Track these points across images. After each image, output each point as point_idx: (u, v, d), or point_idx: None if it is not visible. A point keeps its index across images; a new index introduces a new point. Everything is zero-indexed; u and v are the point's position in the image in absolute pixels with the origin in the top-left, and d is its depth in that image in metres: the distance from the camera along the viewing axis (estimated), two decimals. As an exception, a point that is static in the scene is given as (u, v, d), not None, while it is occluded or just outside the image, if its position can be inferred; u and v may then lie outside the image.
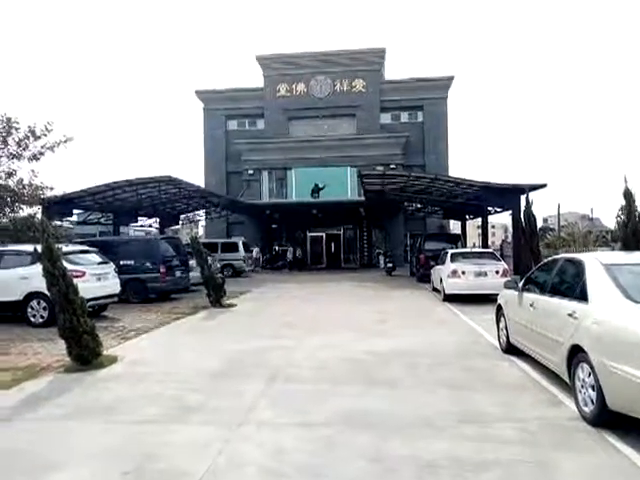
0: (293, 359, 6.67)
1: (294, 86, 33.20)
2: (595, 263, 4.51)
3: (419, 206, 25.74)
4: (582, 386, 4.21)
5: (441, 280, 13.08)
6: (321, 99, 32.97)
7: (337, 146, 31.29)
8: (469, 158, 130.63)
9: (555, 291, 5.07)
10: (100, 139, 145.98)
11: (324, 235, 32.10)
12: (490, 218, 23.58)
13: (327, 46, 69.23)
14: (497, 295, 12.09)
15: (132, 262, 13.25)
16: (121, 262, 13.19)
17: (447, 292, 12.54)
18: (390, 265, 22.56)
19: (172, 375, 5.94)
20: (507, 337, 6.56)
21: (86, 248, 10.55)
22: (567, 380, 4.64)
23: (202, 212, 28.53)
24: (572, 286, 4.75)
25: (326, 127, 33.20)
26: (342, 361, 6.45)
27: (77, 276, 9.39)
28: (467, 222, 24.66)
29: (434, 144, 32.10)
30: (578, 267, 4.78)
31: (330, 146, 31.28)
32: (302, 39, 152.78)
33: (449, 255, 13.24)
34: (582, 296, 4.42)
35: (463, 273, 12.16)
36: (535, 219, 13.62)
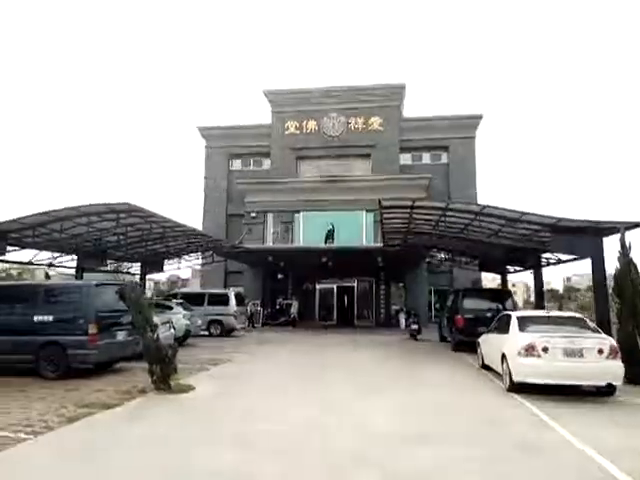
0: None
1: (304, 123, 30.25)
2: None
3: (448, 256, 21.53)
4: None
5: (503, 357, 8.68)
6: (334, 137, 29.87)
7: (351, 188, 27.72)
8: (503, 203, 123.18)
9: None
10: (91, 176, 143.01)
11: (335, 287, 27.84)
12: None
13: (341, 81, 66.91)
14: (603, 389, 7.93)
15: (50, 318, 9.17)
16: (35, 318, 9.20)
17: (517, 379, 8.09)
18: (415, 327, 18.09)
19: None
20: None
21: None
22: None
23: (195, 257, 24.65)
24: None
25: (339, 167, 29.86)
26: None
27: None
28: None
29: (461, 188, 28.32)
30: None
31: (343, 188, 27.74)
32: (314, 74, 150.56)
33: (515, 320, 8.90)
34: None
35: (544, 350, 7.76)
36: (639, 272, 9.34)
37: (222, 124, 31.61)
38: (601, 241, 10.91)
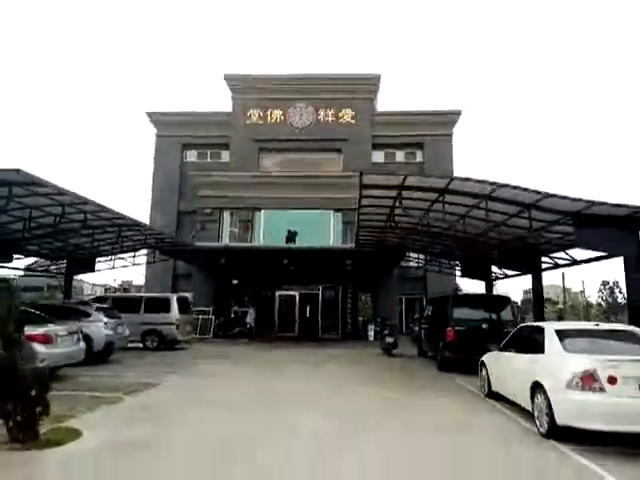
0: None
1: (269, 113, 27.44)
2: None
3: (427, 258, 19.14)
4: None
5: (536, 388, 6.11)
6: (301, 130, 27.18)
7: (319, 185, 25.07)
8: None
9: None
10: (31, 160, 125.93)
11: (297, 295, 24.94)
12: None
13: (311, 69, 63.04)
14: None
15: None
16: None
17: (563, 421, 5.52)
18: (391, 340, 15.48)
19: None
20: None
21: None
22: None
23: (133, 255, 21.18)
24: None
25: (306, 163, 27.19)
26: None
27: None
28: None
29: (437, 188, 26.15)
30: None
31: (310, 185, 25.02)
32: (282, 61, 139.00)
33: (552, 334, 6.35)
34: None
35: (611, 381, 5.23)
36: None
37: (176, 110, 28.38)
38: (637, 236, 8.64)
